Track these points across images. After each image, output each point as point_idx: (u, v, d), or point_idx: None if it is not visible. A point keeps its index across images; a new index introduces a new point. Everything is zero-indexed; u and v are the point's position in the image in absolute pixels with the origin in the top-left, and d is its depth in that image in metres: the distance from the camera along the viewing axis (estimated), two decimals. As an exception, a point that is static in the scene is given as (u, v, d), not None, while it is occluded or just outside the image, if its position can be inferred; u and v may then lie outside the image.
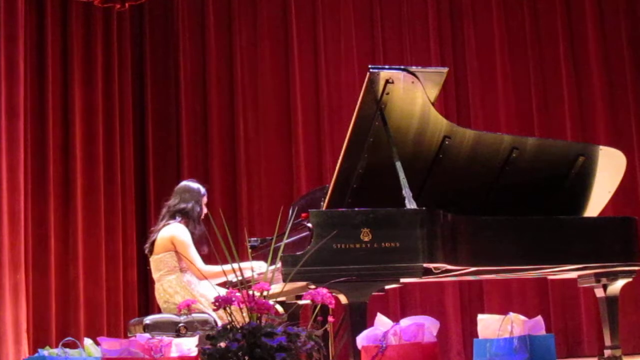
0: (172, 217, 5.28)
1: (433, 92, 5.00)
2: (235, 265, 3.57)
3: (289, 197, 7.91)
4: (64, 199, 7.79)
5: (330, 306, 3.60)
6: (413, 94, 4.89)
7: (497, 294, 8.27)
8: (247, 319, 3.38)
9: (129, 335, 5.01)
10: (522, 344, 4.15)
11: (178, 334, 4.81)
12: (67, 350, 3.71)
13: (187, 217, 5.26)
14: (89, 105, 8.02)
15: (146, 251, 5.34)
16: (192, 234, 5.21)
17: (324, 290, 3.57)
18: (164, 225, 5.26)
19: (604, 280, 5.26)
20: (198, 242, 5.22)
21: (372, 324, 3.99)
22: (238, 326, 3.34)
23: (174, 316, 4.96)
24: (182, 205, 5.29)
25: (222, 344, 3.33)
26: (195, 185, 5.41)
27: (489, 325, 4.40)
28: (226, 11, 8.73)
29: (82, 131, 7.93)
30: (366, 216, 4.47)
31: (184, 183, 5.50)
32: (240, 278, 3.55)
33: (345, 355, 4.54)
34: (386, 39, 8.73)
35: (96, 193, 7.92)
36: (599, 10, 8.67)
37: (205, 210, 5.37)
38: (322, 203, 4.91)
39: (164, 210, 5.36)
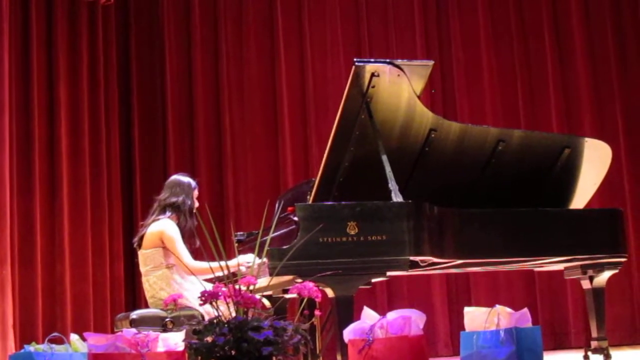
0: (163, 211, 5.22)
1: (419, 85, 4.99)
2: (223, 263, 3.56)
3: (275, 190, 7.89)
4: (50, 194, 7.75)
5: (317, 300, 3.60)
6: (399, 87, 4.89)
7: (484, 287, 8.30)
8: (233, 313, 3.37)
9: (116, 330, 4.98)
10: (508, 336, 4.16)
11: (165, 329, 4.80)
12: (54, 346, 3.70)
13: (177, 211, 5.22)
14: (75, 100, 7.98)
15: (135, 245, 5.30)
16: (182, 228, 5.17)
17: (311, 284, 3.57)
18: (153, 220, 5.19)
19: (590, 272, 5.28)
20: (188, 237, 5.18)
21: (358, 318, 4.00)
22: (225, 320, 3.33)
23: (161, 311, 4.94)
24: (173, 200, 5.22)
25: (209, 339, 3.33)
26: (185, 178, 5.34)
27: (475, 317, 4.42)
28: (211, 4, 8.70)
29: (67, 125, 7.89)
30: (352, 209, 4.48)
31: (174, 177, 5.41)
32: (227, 273, 3.55)
33: (332, 348, 4.55)
34: (372, 31, 8.73)
35: (82, 187, 7.89)
36: (584, 2, 8.69)
37: (196, 204, 5.33)
38: (308, 196, 4.91)
39: (155, 205, 5.30)
